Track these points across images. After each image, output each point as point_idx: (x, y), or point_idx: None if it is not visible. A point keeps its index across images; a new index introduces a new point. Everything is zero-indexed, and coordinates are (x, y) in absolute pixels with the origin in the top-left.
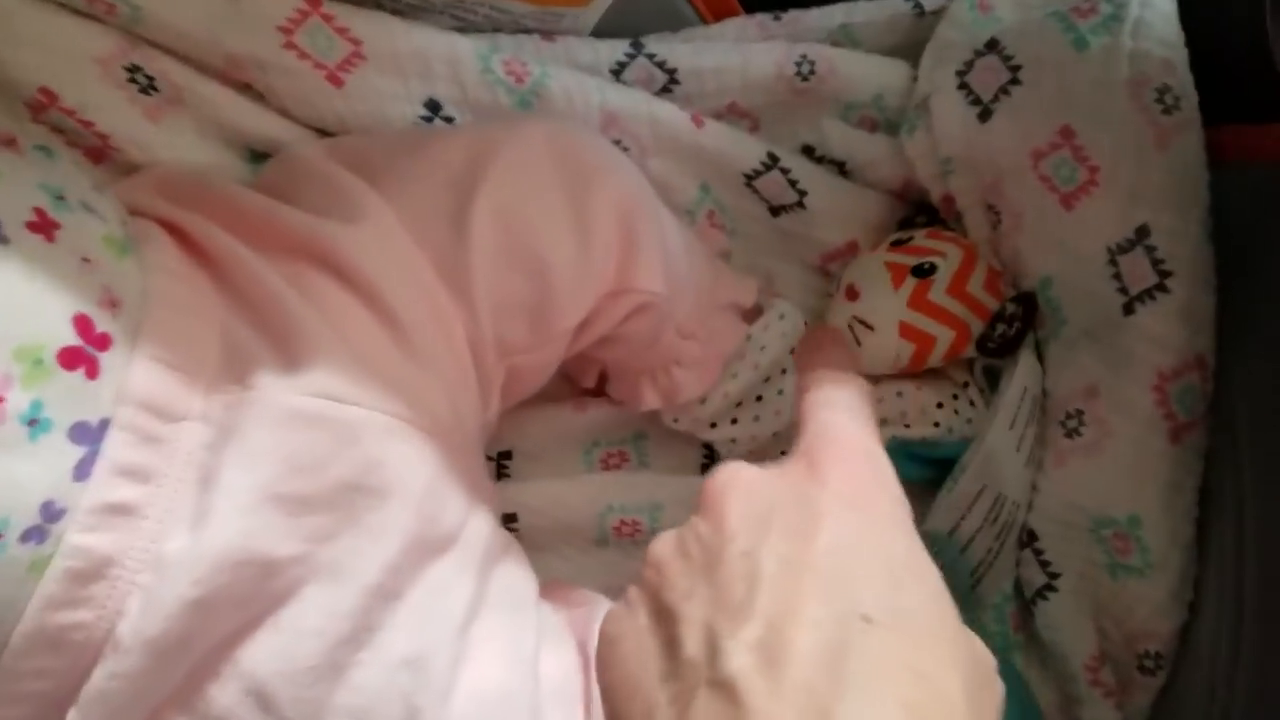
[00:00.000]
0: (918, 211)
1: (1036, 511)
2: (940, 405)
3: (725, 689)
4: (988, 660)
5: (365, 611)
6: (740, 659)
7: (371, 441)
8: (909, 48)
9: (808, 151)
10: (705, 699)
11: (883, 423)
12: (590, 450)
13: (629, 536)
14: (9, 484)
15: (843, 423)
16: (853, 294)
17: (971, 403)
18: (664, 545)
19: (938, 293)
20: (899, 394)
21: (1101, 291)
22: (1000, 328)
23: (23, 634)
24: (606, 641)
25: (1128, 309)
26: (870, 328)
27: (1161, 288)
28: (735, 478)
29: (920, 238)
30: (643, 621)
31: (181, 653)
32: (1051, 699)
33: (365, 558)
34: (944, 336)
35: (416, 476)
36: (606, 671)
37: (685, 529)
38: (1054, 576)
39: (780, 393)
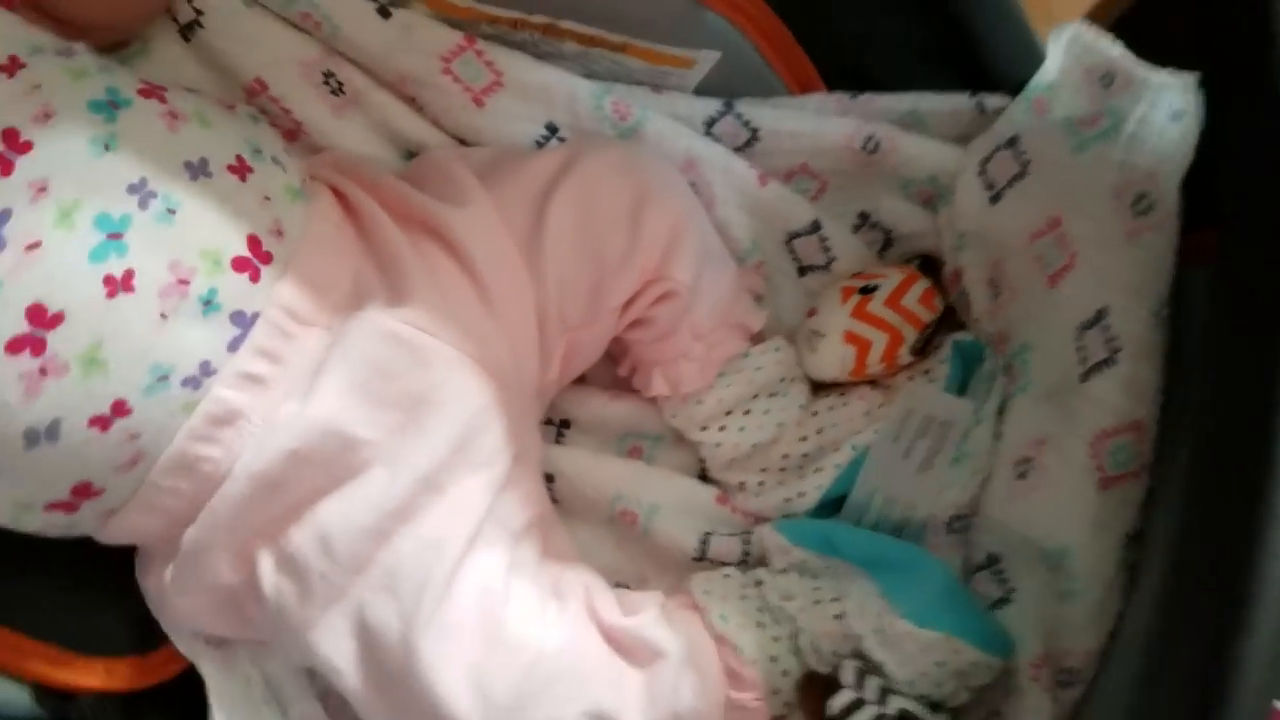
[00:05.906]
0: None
1: (999, 539)
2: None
3: None
4: None
5: (413, 495)
6: None
7: (442, 366)
8: (969, 140)
9: (864, 217)
10: None
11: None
12: (623, 440)
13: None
14: (183, 342)
15: None
16: (812, 312)
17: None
18: None
19: (876, 305)
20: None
21: (1067, 360)
22: (927, 332)
23: (169, 456)
24: None
25: (1084, 377)
26: (821, 335)
27: (1111, 361)
28: None
29: (873, 267)
30: None
31: (274, 493)
32: (990, 682)
33: (421, 453)
34: (879, 340)
35: (472, 400)
36: None
37: None
38: (1010, 591)
39: (766, 413)
